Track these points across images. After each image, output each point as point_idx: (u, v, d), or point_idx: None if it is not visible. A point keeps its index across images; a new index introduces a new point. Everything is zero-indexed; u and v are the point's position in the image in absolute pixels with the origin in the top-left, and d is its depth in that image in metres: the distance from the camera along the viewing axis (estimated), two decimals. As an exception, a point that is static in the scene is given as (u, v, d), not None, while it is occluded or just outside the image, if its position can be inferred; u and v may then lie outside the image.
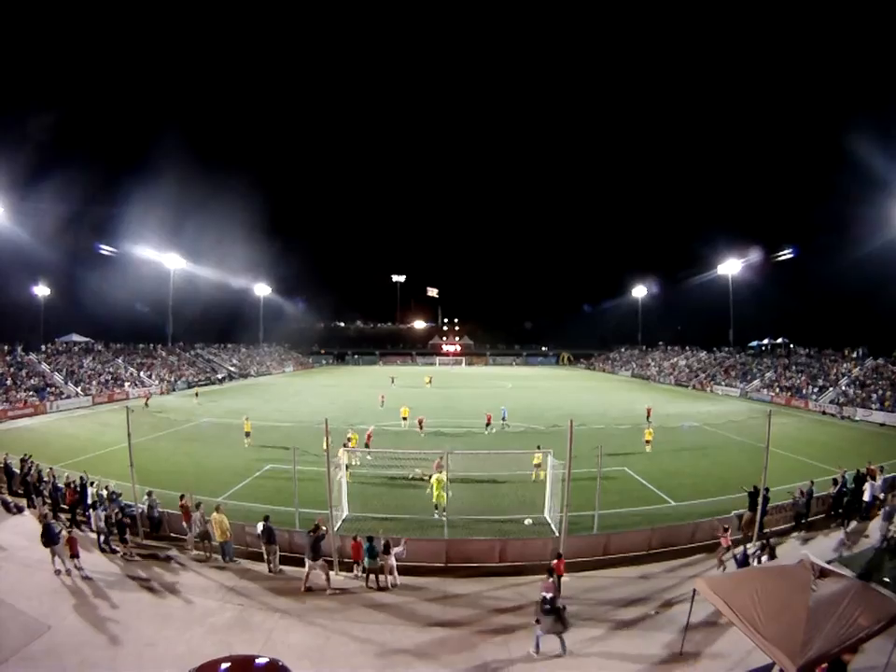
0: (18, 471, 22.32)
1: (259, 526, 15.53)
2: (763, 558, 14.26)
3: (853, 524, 19.07)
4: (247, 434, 31.59)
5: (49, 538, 14.88)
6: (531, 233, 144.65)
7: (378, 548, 14.52)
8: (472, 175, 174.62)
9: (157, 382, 64.76)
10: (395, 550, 14.62)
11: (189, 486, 20.57)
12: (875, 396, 46.97)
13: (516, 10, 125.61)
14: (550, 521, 18.66)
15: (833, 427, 42.17)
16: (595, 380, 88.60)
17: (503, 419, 38.00)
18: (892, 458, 25.64)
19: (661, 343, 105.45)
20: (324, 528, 15.03)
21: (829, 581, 9.37)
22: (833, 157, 70.30)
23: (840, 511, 19.33)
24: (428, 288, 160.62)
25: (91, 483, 19.41)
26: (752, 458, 22.46)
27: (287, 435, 31.54)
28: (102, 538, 16.73)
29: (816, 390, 54.36)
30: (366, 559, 14.61)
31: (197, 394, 57.23)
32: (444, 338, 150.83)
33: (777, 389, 59.02)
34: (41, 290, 71.81)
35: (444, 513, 18.18)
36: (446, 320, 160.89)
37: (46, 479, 20.71)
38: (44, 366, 55.46)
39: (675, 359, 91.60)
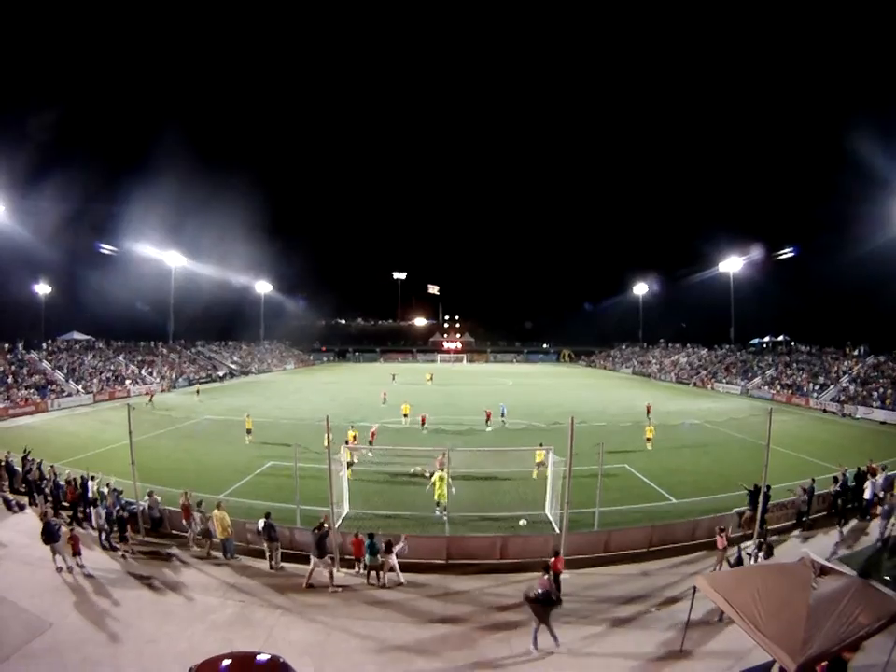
0: (19, 469, 22.37)
1: (261, 523, 15.56)
2: (760, 556, 14.27)
3: (853, 522, 19.09)
4: (249, 431, 31.62)
5: (49, 535, 14.89)
6: (533, 230, 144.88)
7: (379, 545, 14.55)
8: (473, 172, 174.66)
9: (158, 379, 64.79)
10: (396, 547, 14.63)
11: (191, 483, 20.62)
12: (876, 394, 46.92)
13: (516, 10, 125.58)
14: (551, 518, 18.67)
15: (834, 424, 42.13)
16: (596, 377, 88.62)
17: (502, 416, 38.01)
18: (893, 456, 25.57)
19: (662, 340, 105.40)
20: (327, 526, 15.08)
21: (829, 579, 9.38)
22: (834, 155, 70.46)
23: (839, 509, 19.29)
24: (429, 286, 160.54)
25: (93, 478, 19.46)
26: (753, 456, 22.46)
27: (288, 432, 31.64)
28: (103, 535, 16.76)
29: (817, 388, 54.31)
30: (367, 556, 14.64)
31: (198, 391, 57.33)
32: (445, 335, 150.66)
33: (778, 387, 58.97)
34: (42, 288, 71.77)
35: (445, 511, 18.19)
36: (447, 317, 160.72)
37: (47, 476, 20.74)
38: (45, 364, 55.47)
39: (676, 357, 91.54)
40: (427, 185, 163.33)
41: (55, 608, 13.02)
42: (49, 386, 50.26)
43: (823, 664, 8.47)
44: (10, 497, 20.70)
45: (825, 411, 48.55)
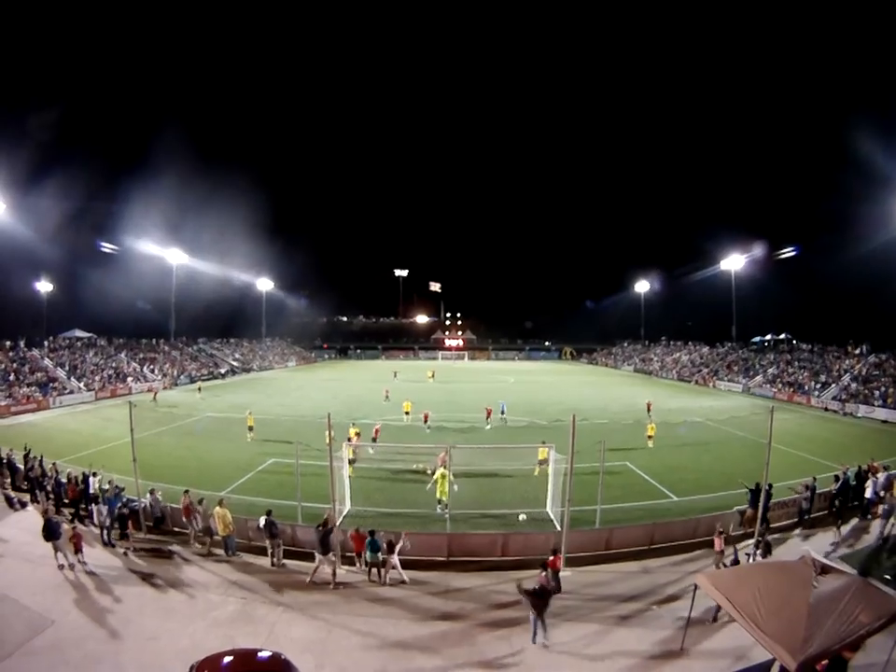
0: (21, 467, 22.41)
1: (262, 521, 15.57)
2: (758, 555, 14.25)
3: (854, 521, 19.08)
4: (250, 428, 31.63)
5: (50, 532, 14.91)
6: (535, 228, 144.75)
7: (380, 543, 14.57)
8: (475, 169, 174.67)
9: (160, 377, 64.86)
10: (398, 546, 14.65)
11: (192, 480, 20.68)
12: (877, 392, 46.84)
13: (516, 9, 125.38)
14: (552, 515, 18.67)
15: (835, 423, 42.07)
16: (598, 375, 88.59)
17: (502, 413, 38.02)
18: (894, 455, 25.53)
19: (663, 338, 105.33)
20: (331, 523, 15.13)
21: (830, 578, 9.39)
22: (836, 153, 70.30)
23: (836, 508, 19.20)
24: (431, 283, 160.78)
25: (94, 474, 19.49)
26: (754, 454, 22.43)
27: (289, 429, 31.64)
28: (105, 532, 16.79)
29: (818, 386, 54.24)
30: (368, 553, 14.66)
31: (200, 388, 57.36)
32: (447, 332, 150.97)
33: (780, 385, 58.93)
34: (44, 286, 71.88)
35: (447, 509, 18.21)
36: (449, 315, 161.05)
37: (49, 474, 20.77)
38: (47, 361, 55.52)
39: (677, 354, 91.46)
40: (428, 182, 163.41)
41: (57, 605, 13.05)
42: (51, 384, 50.34)
43: (824, 662, 8.48)
44: (12, 494, 20.70)
45: (826, 409, 48.43)
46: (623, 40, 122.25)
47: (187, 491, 17.55)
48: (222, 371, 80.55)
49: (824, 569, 9.58)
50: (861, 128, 61.29)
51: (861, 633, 8.32)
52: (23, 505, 20.13)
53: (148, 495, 18.21)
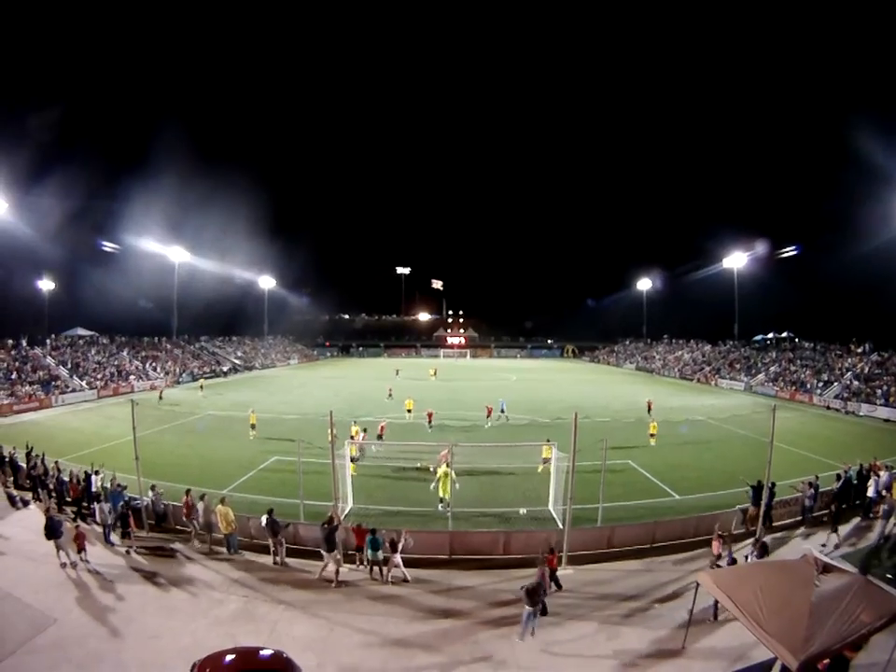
0: (23, 465, 22.45)
1: (263, 520, 15.56)
2: (753, 556, 14.19)
3: (856, 520, 19.07)
4: (253, 426, 31.67)
5: (52, 531, 14.95)
6: (537, 226, 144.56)
7: (381, 540, 14.59)
8: (476, 167, 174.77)
9: (162, 375, 64.94)
10: (401, 544, 14.66)
11: (194, 479, 20.73)
12: (879, 391, 46.72)
13: (519, 7, 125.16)
14: (554, 513, 18.67)
15: (837, 422, 42.01)
16: (599, 373, 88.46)
17: (502, 411, 37.98)
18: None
19: (665, 336, 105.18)
20: (337, 520, 15.16)
21: (832, 577, 9.37)
22: (839, 151, 70.08)
23: (833, 512, 19.04)
24: (433, 281, 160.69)
25: (97, 472, 19.51)
26: (756, 452, 22.43)
27: (291, 427, 31.71)
28: (106, 531, 16.82)
29: (820, 385, 54.14)
30: (369, 551, 14.68)
31: (202, 386, 57.35)
32: (449, 330, 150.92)
33: (782, 383, 58.84)
34: (46, 285, 71.95)
35: (449, 507, 18.23)
36: (451, 312, 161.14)
37: (51, 472, 20.79)
38: (49, 359, 55.59)
39: (679, 352, 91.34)
40: (430, 180, 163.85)
41: (59, 603, 13.09)
42: (53, 382, 50.42)
43: (825, 661, 8.48)
44: (14, 492, 20.74)
45: (828, 408, 48.33)
46: (625, 39, 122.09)
47: (188, 491, 17.57)
48: (224, 368, 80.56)
49: (826, 568, 9.56)
50: (863, 126, 61.17)
51: (863, 632, 8.31)
52: (26, 503, 20.18)
53: (150, 491, 18.24)
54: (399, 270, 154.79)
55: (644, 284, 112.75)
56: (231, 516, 16.04)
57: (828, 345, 63.96)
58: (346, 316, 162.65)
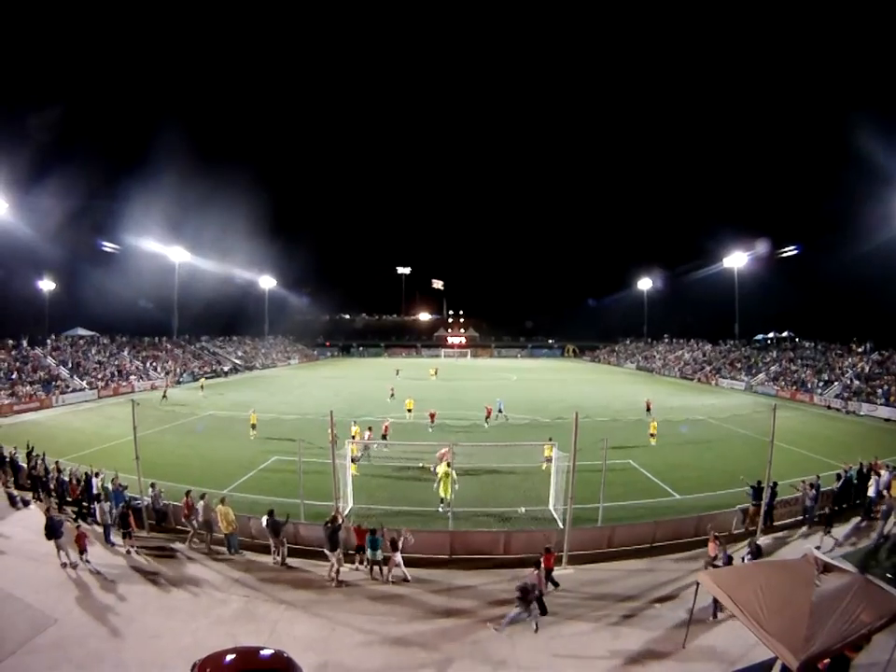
0: (24, 465, 22.46)
1: (264, 521, 15.53)
2: (748, 558, 14.15)
3: (855, 519, 19.07)
4: (253, 426, 31.69)
5: (52, 531, 14.96)
6: (538, 226, 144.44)
7: (381, 539, 14.60)
8: (477, 166, 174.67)
9: (163, 374, 64.93)
10: (401, 542, 14.67)
11: (195, 479, 20.73)
12: (880, 391, 46.69)
13: (520, 6, 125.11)
14: (554, 513, 18.67)
15: (838, 421, 41.98)
16: (600, 373, 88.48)
17: (500, 411, 37.97)
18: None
19: (666, 335, 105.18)
20: (341, 519, 15.18)
21: (832, 577, 9.36)
22: (839, 151, 70.08)
23: (827, 514, 19.01)
24: (434, 280, 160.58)
25: (97, 475, 19.51)
26: (756, 452, 22.42)
27: (292, 427, 31.71)
28: (107, 531, 16.82)
29: (821, 384, 54.13)
30: (369, 551, 14.69)
31: (202, 386, 57.38)
32: (450, 330, 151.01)
33: (783, 383, 58.83)
34: (46, 285, 71.99)
35: (449, 507, 18.23)
36: (451, 312, 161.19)
37: (51, 472, 20.79)
38: (49, 359, 55.60)
39: (680, 352, 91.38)
40: (431, 179, 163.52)
41: (60, 603, 13.10)
42: (54, 382, 50.43)
43: (826, 661, 8.48)
44: (15, 492, 20.74)
45: (829, 407, 48.29)
46: (625, 38, 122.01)
47: (188, 492, 17.56)
48: (225, 368, 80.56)
49: (826, 568, 9.55)
50: (863, 126, 61.15)
51: (863, 632, 8.31)
52: (26, 503, 20.17)
53: (150, 489, 18.24)
54: (400, 270, 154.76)
55: (645, 283, 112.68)
56: (231, 516, 16.04)
57: (828, 345, 63.99)
58: (347, 316, 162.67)
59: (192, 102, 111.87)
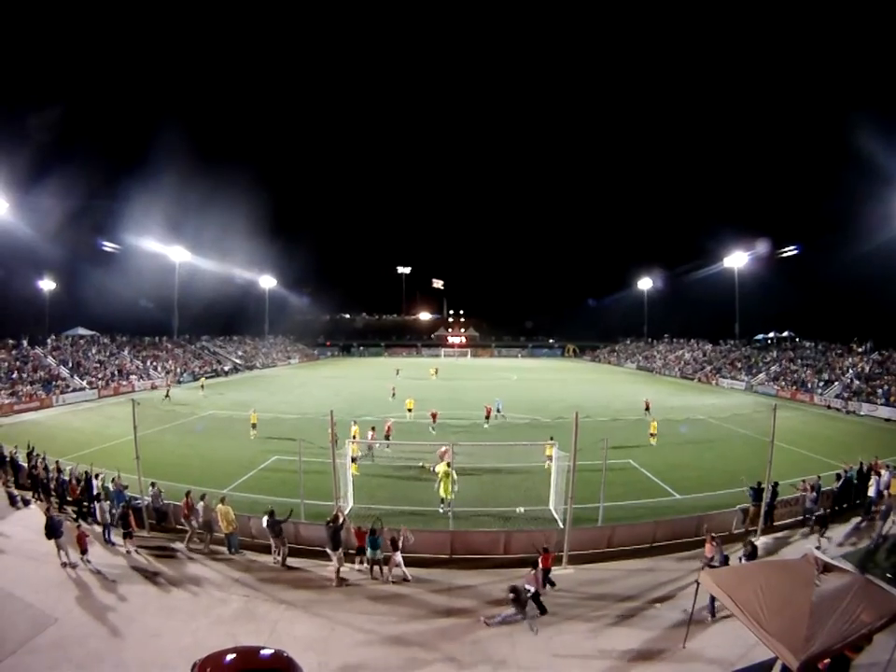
0: (24, 465, 22.46)
1: (264, 521, 15.52)
2: (743, 559, 14.12)
3: (855, 519, 19.07)
4: (254, 426, 31.71)
5: (52, 531, 14.97)
6: (538, 225, 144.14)
7: (381, 540, 14.60)
8: (477, 166, 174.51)
9: (164, 374, 64.93)
10: (401, 540, 14.67)
11: (195, 478, 20.72)
12: (880, 391, 46.67)
13: (520, 6, 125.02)
14: (555, 513, 18.67)
15: (838, 421, 41.98)
16: (600, 372, 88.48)
17: (498, 410, 37.95)
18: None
19: (666, 335, 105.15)
20: (342, 518, 15.18)
21: (832, 577, 9.36)
22: (840, 150, 69.97)
23: (830, 510, 18.89)
24: (434, 280, 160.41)
25: (97, 476, 19.51)
26: (757, 452, 22.42)
27: (292, 427, 31.68)
28: (107, 531, 16.83)
29: (821, 384, 54.12)
30: (369, 550, 14.69)
31: (203, 386, 57.42)
32: (450, 330, 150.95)
33: (783, 383, 58.81)
34: (46, 284, 72.02)
35: (450, 507, 18.23)
36: (452, 312, 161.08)
37: (52, 473, 20.79)
38: (49, 359, 55.61)
39: (680, 352, 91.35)
40: (431, 179, 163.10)
41: (60, 603, 13.11)
42: (54, 382, 50.44)
43: (826, 661, 8.47)
44: (15, 492, 20.74)
45: (829, 407, 48.28)
46: (625, 37, 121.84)
47: (188, 492, 17.54)
48: (226, 368, 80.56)
49: (826, 568, 9.55)
50: (863, 126, 61.10)
51: (863, 632, 8.30)
52: (26, 503, 20.18)
53: (150, 489, 18.25)
54: (400, 269, 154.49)
55: (645, 283, 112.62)
56: (231, 515, 16.06)
57: (829, 345, 63.97)
58: (347, 316, 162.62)
59: (193, 101, 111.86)
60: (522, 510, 18.65)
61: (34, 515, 18.74)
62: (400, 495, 21.03)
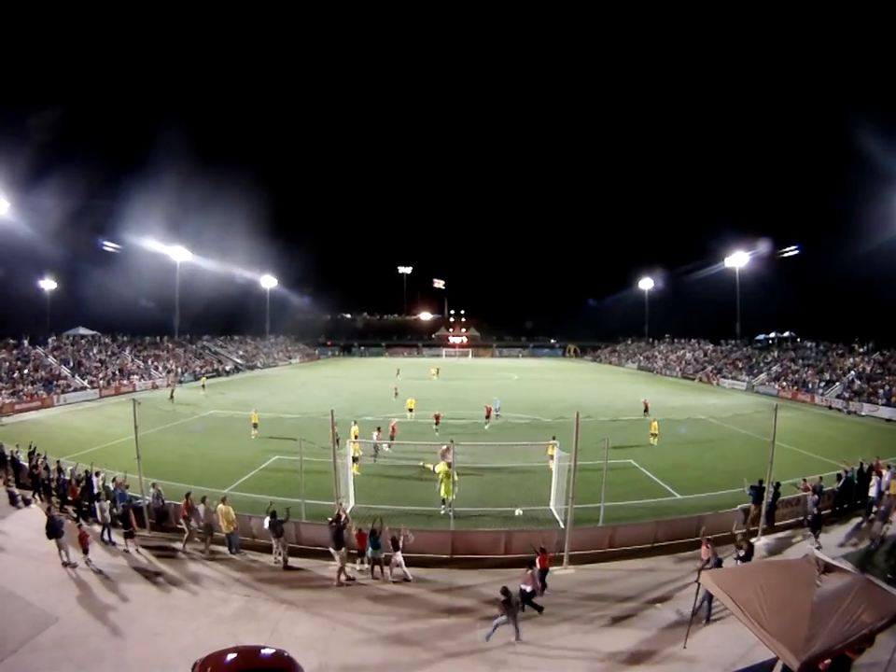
0: (25, 464, 22.47)
1: (266, 522, 15.53)
2: (738, 562, 14.08)
3: (856, 520, 19.05)
4: (255, 426, 31.72)
5: (52, 530, 14.98)
6: (539, 225, 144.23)
7: (382, 539, 14.60)
8: (478, 166, 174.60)
9: (164, 374, 64.99)
10: (401, 540, 14.67)
11: (196, 478, 20.71)
12: (881, 391, 46.61)
13: (520, 5, 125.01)
14: (556, 513, 18.66)
15: (839, 421, 41.92)
16: (601, 372, 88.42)
17: (496, 410, 37.92)
18: (896, 454, 25.44)
19: (667, 335, 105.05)
20: (344, 517, 15.19)
21: (833, 577, 9.34)
22: (841, 151, 70.01)
23: (817, 516, 18.85)
24: (435, 280, 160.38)
25: (97, 474, 19.51)
26: (757, 452, 22.40)
27: (293, 427, 31.64)
28: (107, 530, 16.83)
29: (822, 384, 54.06)
30: (369, 549, 14.68)
31: (204, 386, 57.46)
32: (451, 329, 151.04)
33: (784, 383, 58.75)
34: (47, 284, 72.07)
35: (450, 507, 18.22)
36: (453, 312, 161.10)
37: (52, 473, 20.80)
38: (50, 359, 55.63)
39: (681, 352, 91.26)
40: (431, 179, 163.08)
41: (61, 602, 13.12)
42: (55, 381, 50.45)
43: (827, 662, 8.46)
44: (16, 492, 20.77)
45: (830, 407, 48.21)
46: (625, 37, 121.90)
47: (188, 494, 17.51)
48: (227, 367, 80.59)
49: (827, 568, 9.53)
50: (864, 125, 61.10)
51: (864, 632, 8.28)
52: (27, 502, 20.19)
53: (151, 489, 18.25)
54: (401, 269, 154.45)
55: (646, 283, 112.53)
56: (231, 515, 16.06)
57: (830, 345, 63.90)
58: (348, 316, 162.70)
59: (193, 101, 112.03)
60: (520, 511, 18.55)
61: (34, 515, 18.77)
62: (401, 494, 21.03)
